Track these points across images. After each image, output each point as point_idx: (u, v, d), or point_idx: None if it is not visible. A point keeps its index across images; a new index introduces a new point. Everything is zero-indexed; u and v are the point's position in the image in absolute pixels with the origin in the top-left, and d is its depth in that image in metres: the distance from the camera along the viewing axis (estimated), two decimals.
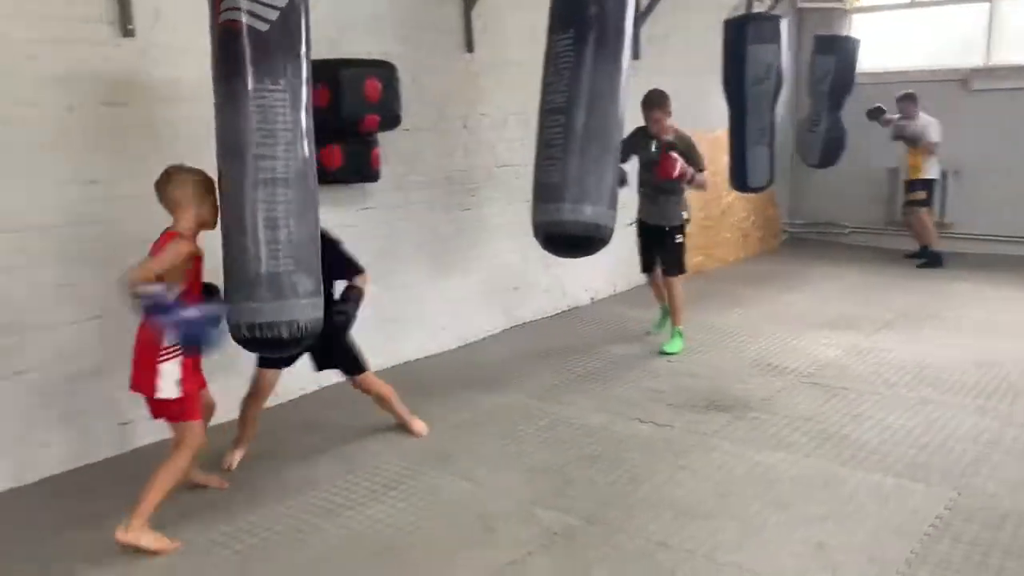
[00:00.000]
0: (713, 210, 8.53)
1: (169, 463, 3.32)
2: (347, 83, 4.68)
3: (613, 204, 4.41)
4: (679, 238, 5.78)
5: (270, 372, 3.99)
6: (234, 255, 3.27)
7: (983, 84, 8.81)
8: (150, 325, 3.15)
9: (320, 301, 3.40)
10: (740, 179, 6.80)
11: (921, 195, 8.44)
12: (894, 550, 3.20)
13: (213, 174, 3.33)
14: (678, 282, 5.80)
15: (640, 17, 6.55)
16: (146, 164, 3.65)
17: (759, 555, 3.20)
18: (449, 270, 5.94)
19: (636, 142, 5.53)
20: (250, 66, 3.15)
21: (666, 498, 3.68)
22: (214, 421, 3.75)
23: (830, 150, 8.14)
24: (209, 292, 3.41)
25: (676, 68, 7.33)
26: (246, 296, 3.25)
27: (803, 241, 10.03)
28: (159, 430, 3.83)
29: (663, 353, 5.70)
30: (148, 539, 3.24)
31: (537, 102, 4.45)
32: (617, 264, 6.20)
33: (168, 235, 3.27)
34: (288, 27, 3.19)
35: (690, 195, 5.97)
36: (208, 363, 3.52)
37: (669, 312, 5.96)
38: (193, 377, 3.37)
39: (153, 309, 3.08)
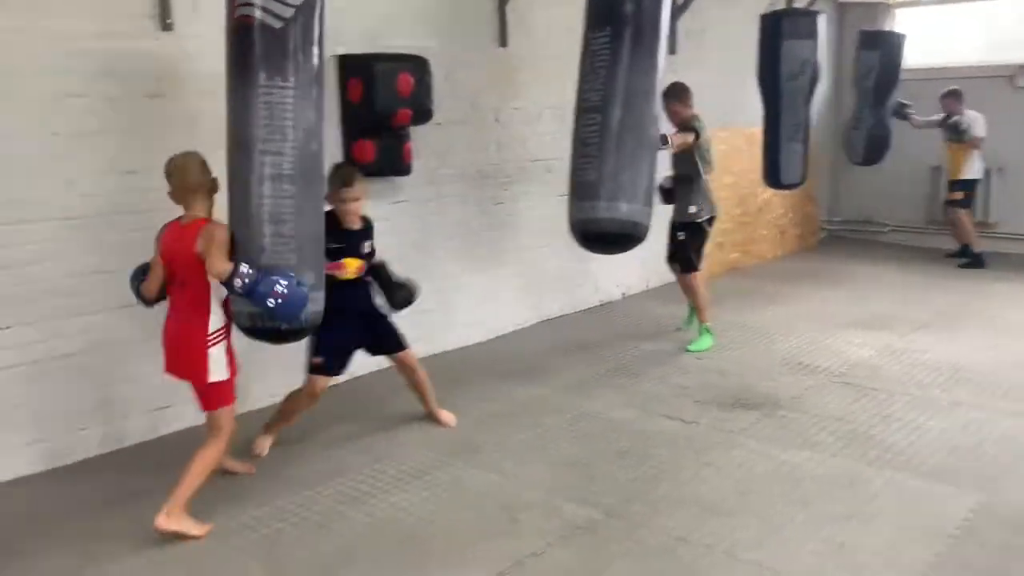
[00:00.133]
0: (750, 206, 8.46)
1: (206, 449, 3.41)
2: (380, 78, 4.75)
3: (649, 201, 4.42)
4: (681, 235, 5.72)
5: (322, 379, 4.08)
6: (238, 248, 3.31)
7: None
8: (255, 302, 3.17)
9: (321, 296, 3.44)
10: (773, 176, 6.73)
11: (959, 195, 8.26)
12: (917, 552, 3.17)
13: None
14: (692, 279, 5.76)
15: (677, 11, 6.51)
16: None
17: (779, 553, 3.19)
18: (481, 263, 5.98)
19: None
20: (260, 62, 3.19)
21: (689, 494, 3.68)
22: (238, 411, 3.73)
23: (874, 147, 8.01)
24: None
25: (713, 63, 7.30)
26: None
27: (842, 239, 9.89)
28: (192, 417, 3.93)
29: (689, 351, 5.68)
30: (188, 524, 3.33)
31: (572, 96, 4.47)
32: (650, 260, 6.18)
33: (199, 222, 3.30)
34: (301, 25, 3.22)
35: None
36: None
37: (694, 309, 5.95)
38: (232, 361, 3.45)
39: (251, 288, 3.15)
